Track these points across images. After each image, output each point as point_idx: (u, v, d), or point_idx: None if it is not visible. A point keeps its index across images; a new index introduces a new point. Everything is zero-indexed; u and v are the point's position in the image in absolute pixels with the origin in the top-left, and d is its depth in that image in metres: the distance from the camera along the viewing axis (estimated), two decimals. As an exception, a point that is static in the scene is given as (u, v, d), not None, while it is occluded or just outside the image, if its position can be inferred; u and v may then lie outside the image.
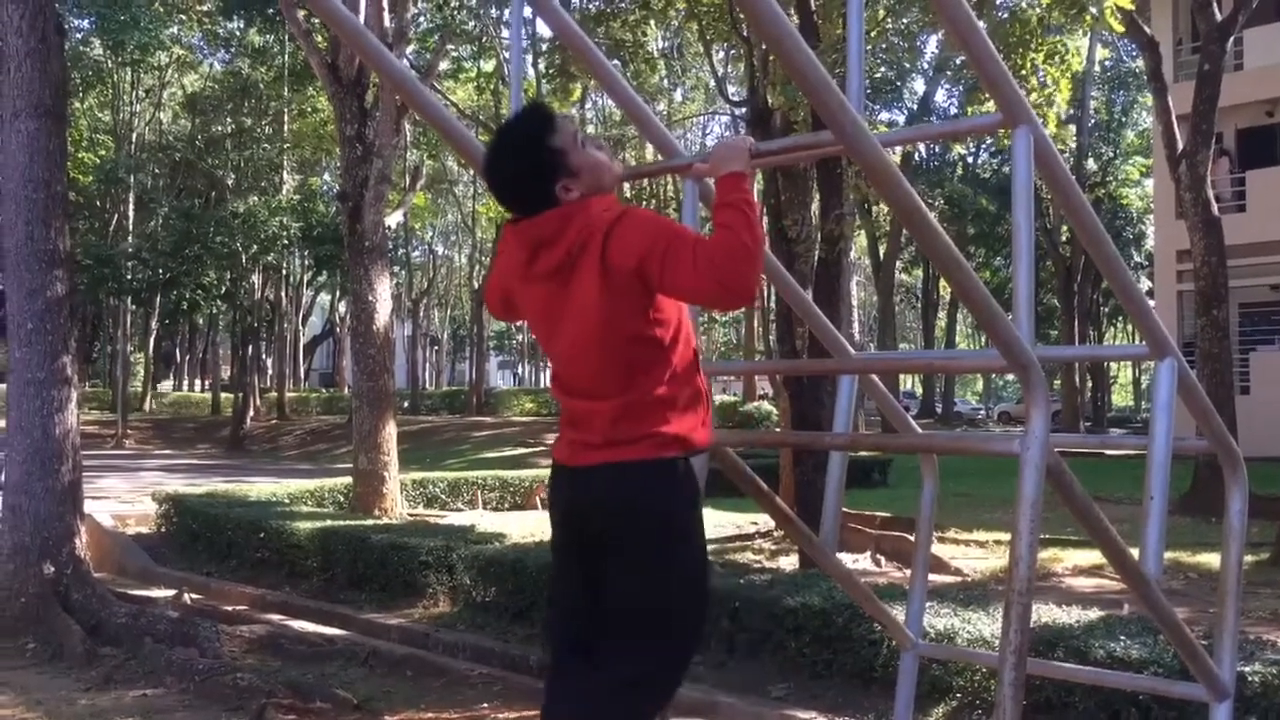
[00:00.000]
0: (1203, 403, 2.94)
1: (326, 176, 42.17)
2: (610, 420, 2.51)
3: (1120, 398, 60.75)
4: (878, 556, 10.85)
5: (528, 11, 2.96)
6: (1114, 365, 51.71)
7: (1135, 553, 2.75)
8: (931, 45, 30.14)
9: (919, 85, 37.58)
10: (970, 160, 42.41)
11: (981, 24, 2.53)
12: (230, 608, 9.58)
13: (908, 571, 10.26)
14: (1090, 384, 38.34)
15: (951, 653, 5.02)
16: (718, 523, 12.73)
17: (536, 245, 2.52)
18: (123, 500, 16.47)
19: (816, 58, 1.96)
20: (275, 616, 9.14)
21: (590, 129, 38.38)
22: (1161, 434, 2.75)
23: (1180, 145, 14.11)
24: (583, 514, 2.60)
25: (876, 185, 2.11)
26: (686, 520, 2.57)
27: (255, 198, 35.91)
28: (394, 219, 16.94)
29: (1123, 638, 5.47)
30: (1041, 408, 2.36)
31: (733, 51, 19.09)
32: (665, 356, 2.51)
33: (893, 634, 3.62)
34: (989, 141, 39.83)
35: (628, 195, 37.76)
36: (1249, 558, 9.55)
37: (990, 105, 11.69)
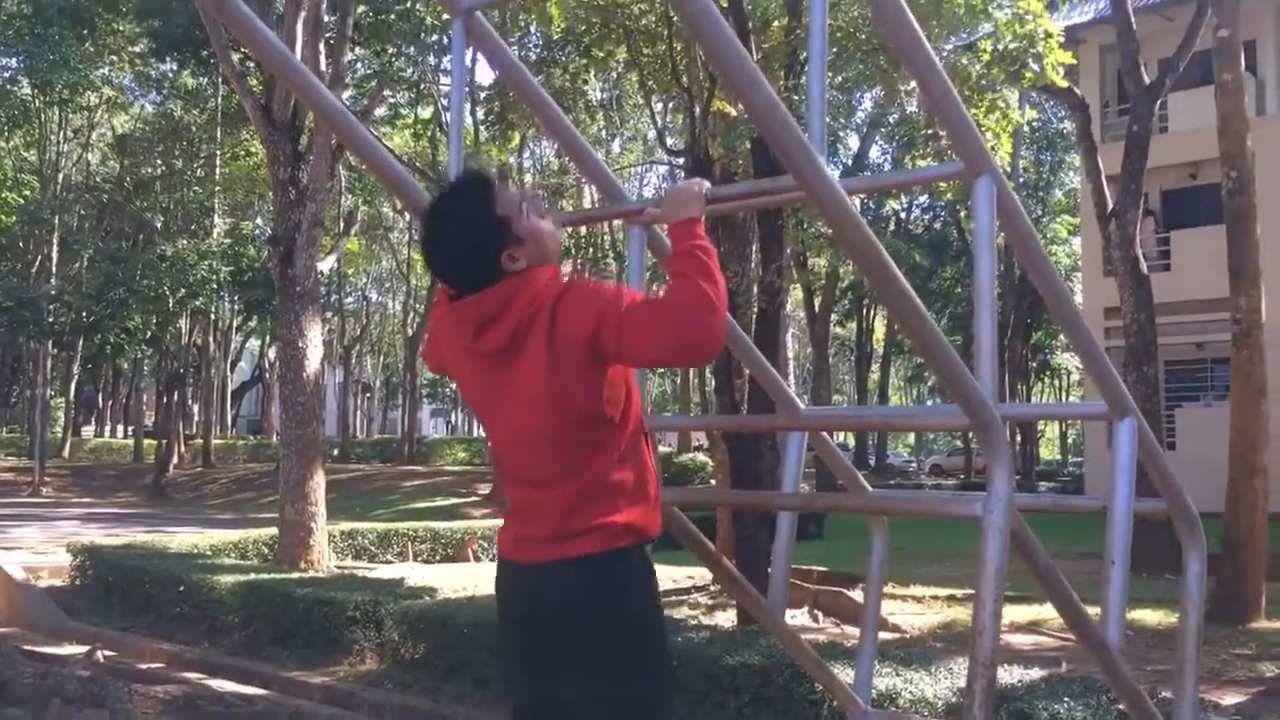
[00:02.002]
0: (1162, 464, 2.87)
1: (258, 220, 41.62)
2: (558, 512, 2.34)
3: (1047, 451, 61.61)
4: (814, 612, 10.75)
5: (468, 59, 2.85)
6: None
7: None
8: (866, 103, 30.57)
9: (853, 141, 38.13)
10: (904, 215, 43.03)
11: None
12: (146, 665, 9.20)
13: (845, 627, 10.16)
14: (1020, 438, 38.83)
15: (903, 720, 4.90)
16: (653, 576, 12.54)
17: (480, 324, 2.35)
18: (36, 551, 15.88)
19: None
20: (193, 675, 8.79)
21: (528, 178, 38.39)
22: (1122, 496, 2.67)
23: (1110, 204, 14.37)
24: (534, 615, 2.42)
25: (839, 232, 2.01)
26: (641, 614, 2.42)
27: (184, 241, 35.31)
28: (327, 264, 16.70)
29: (1066, 699, 5.40)
30: (1004, 468, 2.26)
31: (672, 103, 19.19)
32: (614, 437, 2.35)
33: (840, 701, 3.49)
34: (922, 197, 40.51)
35: (567, 243, 37.79)
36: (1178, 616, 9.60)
37: (924, 162, 11.82)
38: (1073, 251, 38.07)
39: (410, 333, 44.70)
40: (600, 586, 2.33)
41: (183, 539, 14.64)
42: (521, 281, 2.34)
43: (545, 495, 2.36)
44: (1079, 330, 2.67)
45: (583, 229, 36.06)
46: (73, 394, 47.53)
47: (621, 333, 2.23)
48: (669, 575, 13.05)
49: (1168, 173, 23.18)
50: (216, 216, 38.06)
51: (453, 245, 2.38)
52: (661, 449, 37.34)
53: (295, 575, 10.97)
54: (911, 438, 62.54)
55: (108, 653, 9.46)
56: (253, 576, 10.33)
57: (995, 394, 2.23)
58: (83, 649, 9.57)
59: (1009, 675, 5.80)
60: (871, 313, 45.68)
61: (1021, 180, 37.67)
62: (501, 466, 2.49)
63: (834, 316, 43.28)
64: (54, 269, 38.35)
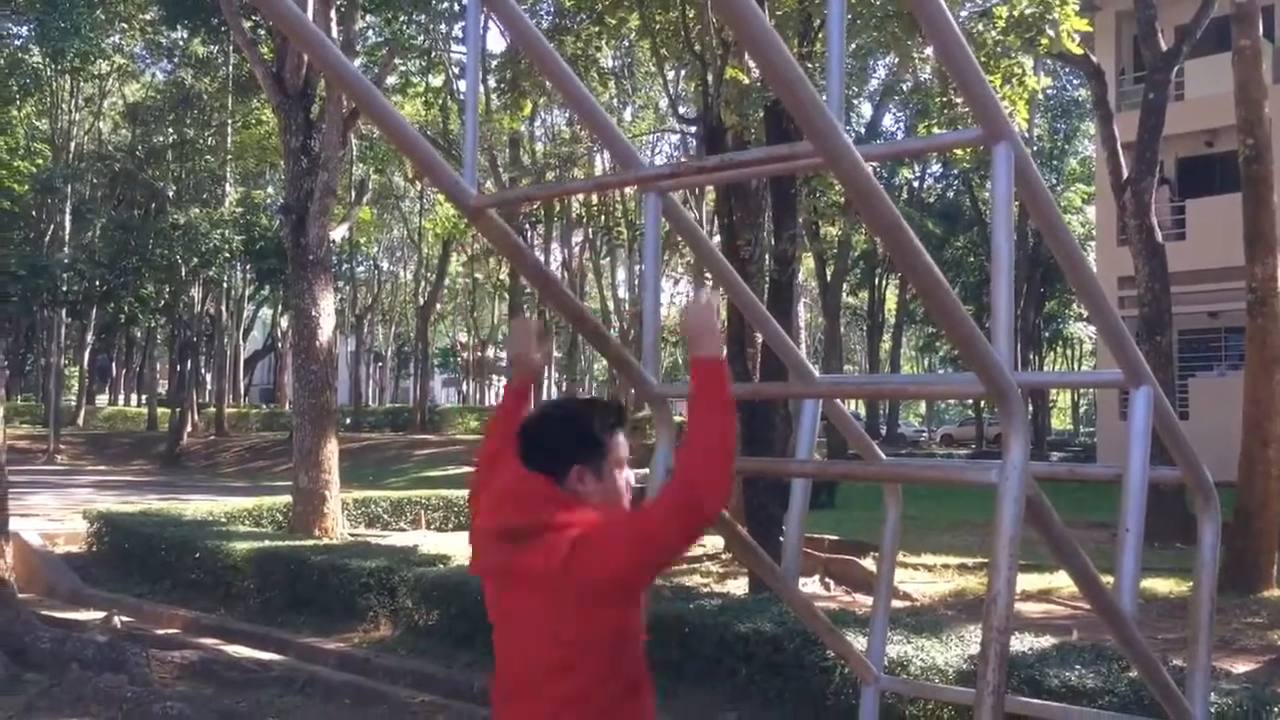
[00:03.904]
0: (1177, 432, 2.86)
1: (270, 189, 41.59)
2: None
3: (1059, 421, 61.52)
4: (826, 580, 10.78)
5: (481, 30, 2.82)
6: (1053, 389, 52.41)
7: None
8: (880, 70, 30.41)
9: (866, 109, 37.91)
10: (916, 184, 42.83)
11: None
12: (162, 631, 9.30)
13: (856, 595, 10.20)
14: (1031, 407, 38.80)
15: (917, 689, 4.92)
16: (665, 545, 12.60)
17: (503, 532, 2.28)
18: (52, 518, 16.00)
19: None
20: (209, 640, 8.88)
21: (539, 146, 38.26)
22: (1137, 464, 2.66)
23: (1125, 173, 14.27)
24: None
25: (856, 198, 2.00)
26: None
27: (196, 210, 35.29)
28: (338, 233, 16.70)
29: (1077, 666, 5.42)
30: (1020, 436, 2.25)
31: (684, 71, 19.10)
32: (605, 659, 2.21)
33: (854, 668, 3.50)
34: (935, 166, 40.29)
35: (578, 210, 37.67)
36: (1188, 584, 9.62)
37: (938, 129, 11.73)
38: (1087, 220, 37.84)
39: (421, 301, 44.72)
40: None
41: (197, 506, 14.74)
42: (565, 511, 2.22)
43: (523, 708, 2.27)
44: (1096, 298, 2.66)
45: (595, 197, 35.99)
46: (86, 362, 47.73)
47: (634, 529, 2.19)
48: (680, 543, 13.08)
49: (1183, 140, 23.00)
50: (228, 185, 38.06)
51: (550, 424, 2.36)
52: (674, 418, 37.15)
53: (309, 542, 11.04)
54: (922, 407, 62.46)
55: (124, 618, 9.55)
56: (267, 544, 10.41)
57: (1012, 362, 2.22)
58: (100, 615, 9.66)
59: (1020, 643, 5.82)
60: (884, 282, 45.53)
61: (1036, 148, 37.45)
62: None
63: (846, 286, 43.19)
64: (67, 238, 38.43)
